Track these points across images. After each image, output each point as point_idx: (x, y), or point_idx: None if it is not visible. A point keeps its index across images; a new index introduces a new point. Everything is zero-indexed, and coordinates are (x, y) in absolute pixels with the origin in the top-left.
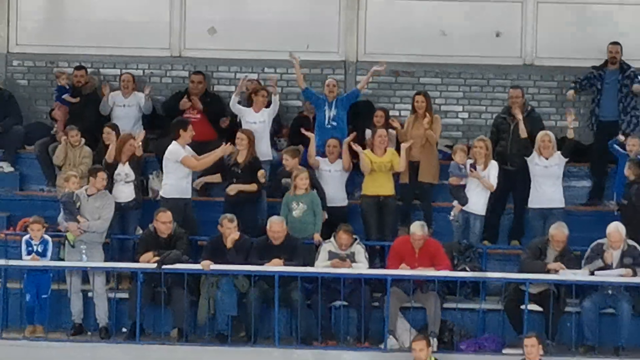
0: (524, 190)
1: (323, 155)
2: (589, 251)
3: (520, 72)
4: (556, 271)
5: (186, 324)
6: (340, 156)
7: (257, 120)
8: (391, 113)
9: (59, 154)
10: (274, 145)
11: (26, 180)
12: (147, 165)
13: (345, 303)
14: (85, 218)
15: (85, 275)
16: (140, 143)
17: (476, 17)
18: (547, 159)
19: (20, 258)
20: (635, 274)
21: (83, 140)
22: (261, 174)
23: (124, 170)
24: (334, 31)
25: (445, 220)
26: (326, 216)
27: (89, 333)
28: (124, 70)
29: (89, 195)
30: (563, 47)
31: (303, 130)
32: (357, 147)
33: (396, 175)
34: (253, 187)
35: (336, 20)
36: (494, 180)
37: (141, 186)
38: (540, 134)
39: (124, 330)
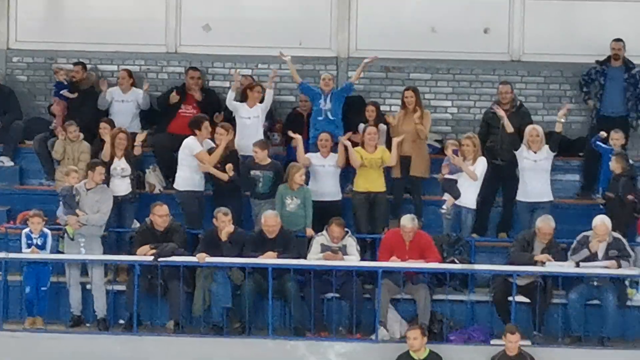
0: (513, 184)
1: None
2: (575, 243)
3: (508, 68)
4: (543, 263)
5: (182, 316)
6: (332, 150)
7: (250, 116)
8: (382, 108)
9: (58, 148)
10: (267, 140)
11: (26, 175)
12: (143, 160)
13: (337, 295)
14: (84, 212)
15: (84, 267)
16: (140, 143)
17: (465, 14)
18: (535, 152)
19: (20, 251)
20: (619, 266)
21: (81, 135)
22: (229, 167)
23: (120, 164)
24: (326, 28)
25: (435, 214)
26: None
27: (88, 324)
28: (121, 67)
29: (88, 189)
30: (550, 43)
31: (290, 133)
32: (347, 143)
33: (387, 170)
34: (224, 176)
35: (328, 17)
36: (480, 175)
37: (138, 180)
38: (529, 128)
39: (122, 321)
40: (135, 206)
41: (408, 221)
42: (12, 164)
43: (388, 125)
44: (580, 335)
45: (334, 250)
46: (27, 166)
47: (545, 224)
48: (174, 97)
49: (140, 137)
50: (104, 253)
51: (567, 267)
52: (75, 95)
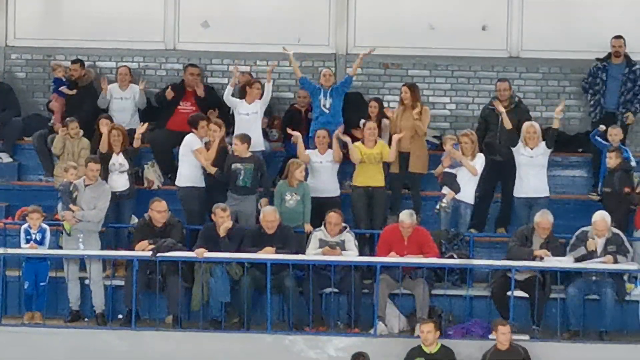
0: (512, 180)
1: None
2: (573, 238)
3: (506, 64)
4: (542, 258)
5: (181, 311)
6: (329, 146)
7: (249, 112)
8: None
9: (57, 144)
10: (265, 136)
11: (24, 171)
12: (142, 156)
13: (336, 290)
14: (81, 207)
15: (82, 263)
16: (140, 136)
17: (463, 10)
18: (532, 149)
19: (18, 246)
20: (616, 261)
21: (81, 132)
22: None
23: (118, 160)
24: (325, 24)
25: (433, 209)
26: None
27: (86, 319)
28: (119, 63)
29: (85, 186)
30: (548, 40)
31: (289, 130)
32: (345, 138)
33: (386, 165)
34: (212, 169)
35: (327, 14)
36: (479, 169)
37: (136, 176)
38: (526, 124)
39: (120, 316)
40: (134, 202)
41: (407, 216)
42: (10, 160)
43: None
44: (578, 329)
45: (332, 245)
46: (25, 162)
47: (543, 218)
48: (169, 94)
49: (140, 130)
50: (102, 248)
51: (565, 262)
52: (74, 92)
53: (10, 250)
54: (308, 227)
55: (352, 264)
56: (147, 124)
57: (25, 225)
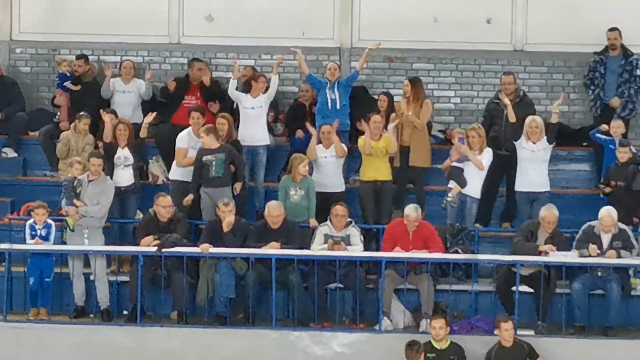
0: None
1: None
2: (580, 233)
3: (511, 58)
4: (547, 253)
5: (186, 306)
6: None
7: (254, 106)
8: None
9: (61, 149)
10: (270, 130)
11: (29, 166)
12: (147, 151)
13: (341, 285)
14: (85, 203)
15: (87, 258)
16: (147, 125)
17: (468, 4)
18: (534, 143)
19: (24, 242)
20: (619, 256)
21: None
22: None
23: (124, 154)
24: (329, 18)
25: (438, 204)
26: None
27: (91, 315)
28: (124, 57)
29: (89, 181)
30: (553, 33)
31: (308, 126)
32: (363, 126)
33: (390, 160)
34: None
35: (331, 7)
36: (486, 164)
37: (141, 171)
38: (528, 119)
39: (125, 312)
40: (138, 197)
41: (412, 211)
42: (15, 155)
43: None
44: (584, 325)
45: (336, 240)
46: (30, 157)
47: (549, 212)
48: (171, 84)
49: (148, 119)
50: (106, 244)
51: (570, 257)
52: (78, 87)
53: (15, 246)
54: (313, 222)
55: (357, 259)
56: (155, 113)
57: (30, 221)
